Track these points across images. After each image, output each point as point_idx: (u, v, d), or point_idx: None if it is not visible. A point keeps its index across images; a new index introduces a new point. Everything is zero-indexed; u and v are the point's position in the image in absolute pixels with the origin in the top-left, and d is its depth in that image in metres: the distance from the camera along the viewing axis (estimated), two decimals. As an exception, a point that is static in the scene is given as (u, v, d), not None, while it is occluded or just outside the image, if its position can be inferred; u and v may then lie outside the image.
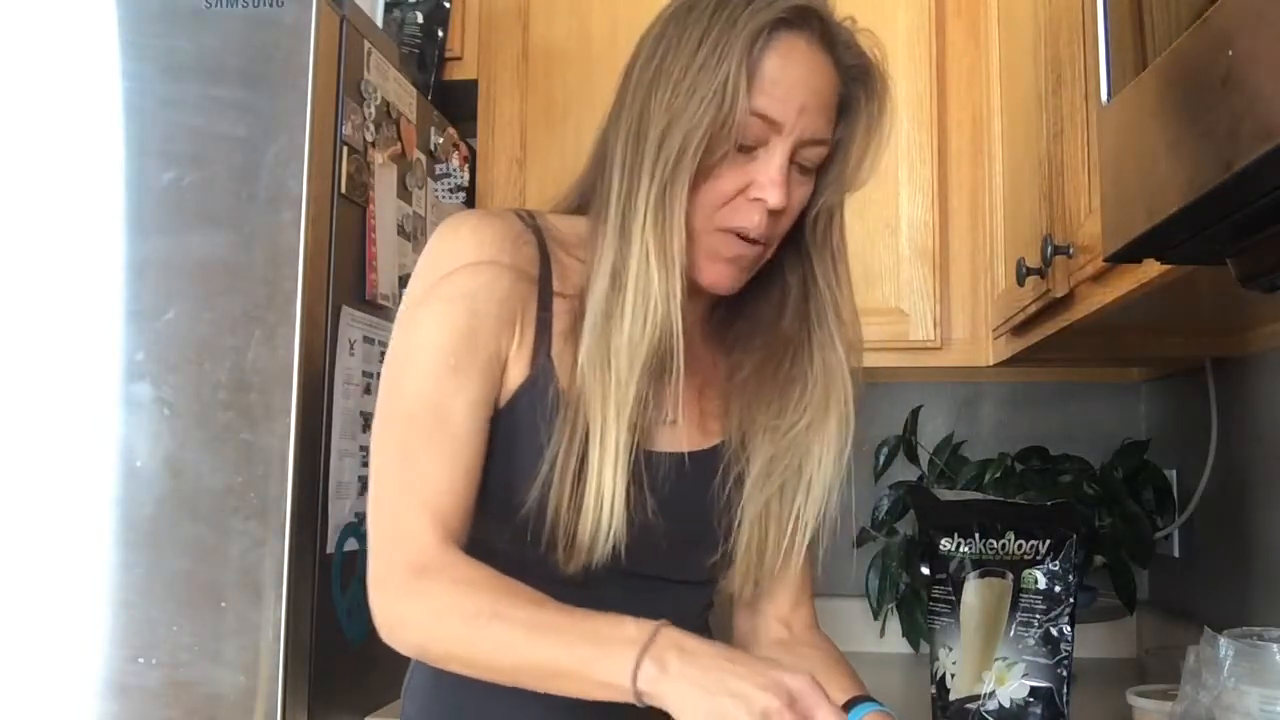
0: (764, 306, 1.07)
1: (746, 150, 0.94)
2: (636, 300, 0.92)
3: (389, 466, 0.92)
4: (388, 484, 0.92)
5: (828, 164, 1.00)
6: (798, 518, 1.03)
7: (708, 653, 0.80)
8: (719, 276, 0.97)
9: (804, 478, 1.03)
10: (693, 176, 0.92)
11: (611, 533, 0.92)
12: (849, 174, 1.01)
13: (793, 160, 0.95)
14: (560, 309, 0.97)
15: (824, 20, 0.96)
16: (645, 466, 0.95)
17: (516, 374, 0.95)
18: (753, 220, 0.95)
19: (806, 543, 1.05)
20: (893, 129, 1.02)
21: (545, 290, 0.97)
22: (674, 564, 1.02)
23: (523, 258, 0.96)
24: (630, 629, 0.81)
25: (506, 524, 0.94)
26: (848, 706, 0.99)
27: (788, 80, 0.93)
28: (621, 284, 0.93)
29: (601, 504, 0.91)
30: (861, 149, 1.00)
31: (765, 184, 0.93)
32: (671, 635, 0.81)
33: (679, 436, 1.01)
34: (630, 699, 0.79)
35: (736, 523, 1.02)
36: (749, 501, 1.02)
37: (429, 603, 0.87)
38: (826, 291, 1.04)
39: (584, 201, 1.04)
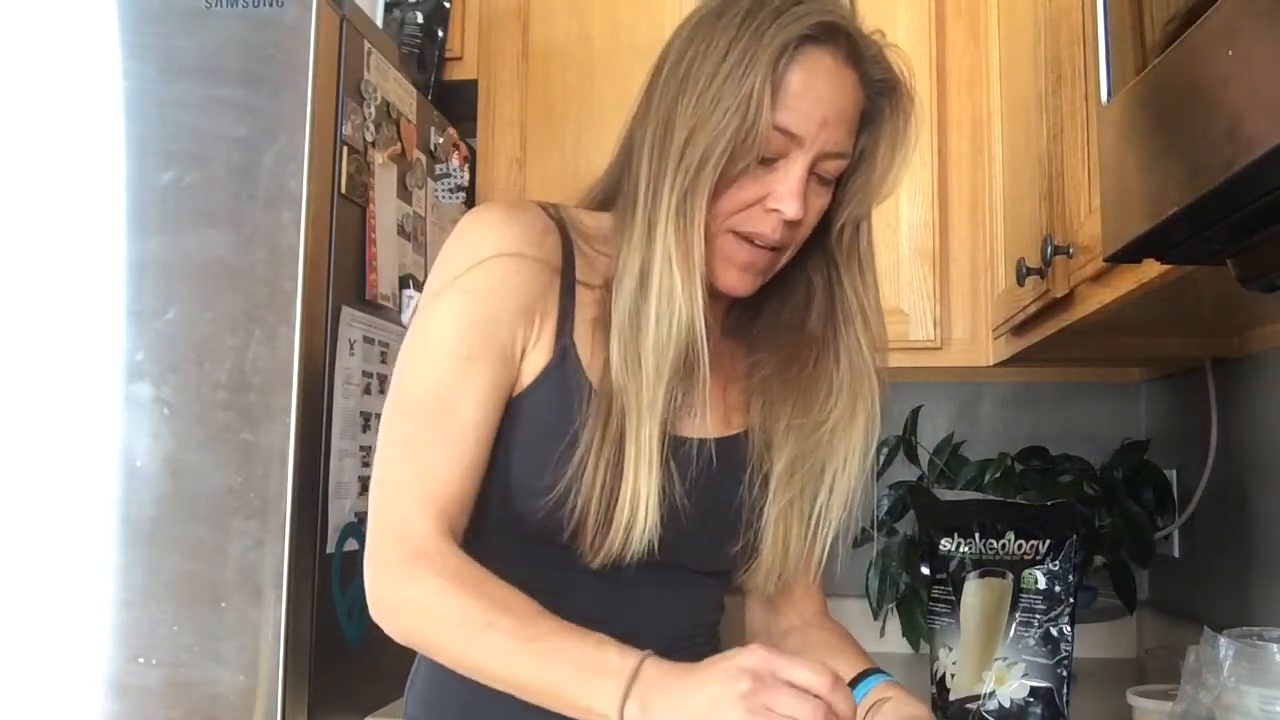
0: (787, 306, 1.08)
1: (767, 162, 0.94)
2: (661, 304, 0.93)
3: (394, 452, 0.94)
4: (391, 469, 0.94)
5: (850, 174, 1.01)
6: (821, 515, 1.05)
7: (684, 687, 0.81)
8: (734, 281, 0.99)
9: (828, 477, 1.04)
10: (714, 185, 0.93)
11: (648, 528, 0.93)
12: (874, 186, 1.02)
13: (812, 172, 0.96)
14: (585, 299, 0.99)
15: (850, 36, 0.97)
16: (672, 451, 0.96)
17: (539, 360, 0.97)
18: (767, 228, 0.96)
19: (831, 540, 1.06)
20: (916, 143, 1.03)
21: (568, 280, 0.99)
22: (697, 551, 1.03)
23: (545, 249, 0.98)
24: (614, 659, 0.83)
25: (533, 509, 0.94)
26: (858, 680, 1.01)
27: (811, 96, 0.93)
28: (647, 287, 0.94)
29: (638, 500, 0.92)
30: (886, 162, 1.01)
31: (783, 195, 0.94)
32: (652, 672, 0.82)
33: (702, 426, 1.02)
34: None
35: (761, 518, 1.03)
36: (774, 498, 1.03)
37: (421, 595, 0.89)
38: (853, 296, 1.05)
39: (609, 197, 1.05)
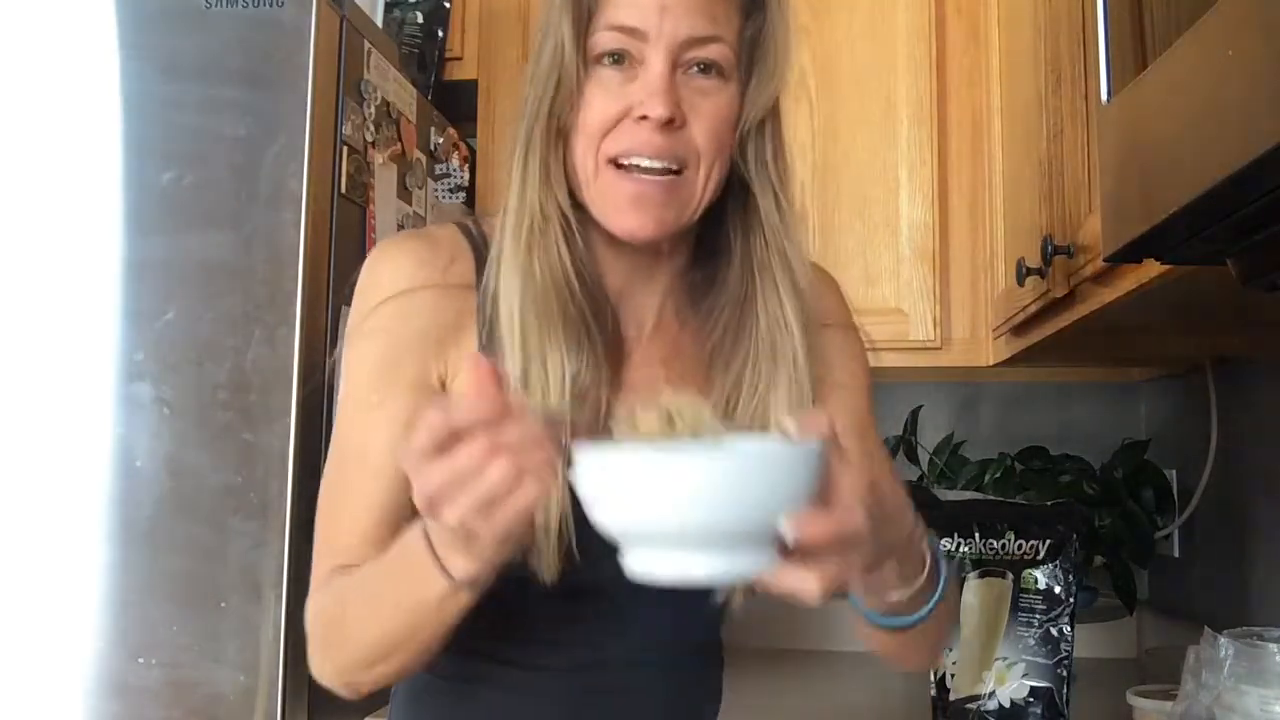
0: (720, 262, 0.95)
1: (619, 64, 0.86)
2: (536, 253, 0.87)
3: (320, 497, 0.91)
4: (319, 513, 0.91)
5: (751, 71, 0.90)
6: None
7: None
8: (631, 222, 0.87)
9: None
10: (567, 102, 0.86)
11: (560, 528, 0.82)
12: (768, 70, 0.90)
13: (683, 68, 0.86)
14: None
15: None
16: None
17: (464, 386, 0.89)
18: (640, 140, 0.85)
19: None
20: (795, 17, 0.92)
21: (485, 293, 0.91)
22: None
23: (454, 274, 0.91)
24: (409, 549, 0.75)
25: None
26: None
27: None
28: (518, 238, 0.88)
29: (550, 504, 0.82)
30: (772, 39, 0.90)
31: (644, 97, 0.84)
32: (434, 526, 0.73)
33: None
34: (461, 585, 0.73)
35: None
36: None
37: (309, 629, 0.87)
38: (766, 229, 0.92)
39: None
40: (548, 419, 0.67)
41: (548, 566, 0.85)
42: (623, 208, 0.87)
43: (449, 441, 0.63)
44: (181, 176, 1.40)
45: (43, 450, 1.39)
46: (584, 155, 0.87)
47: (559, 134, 0.87)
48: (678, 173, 0.87)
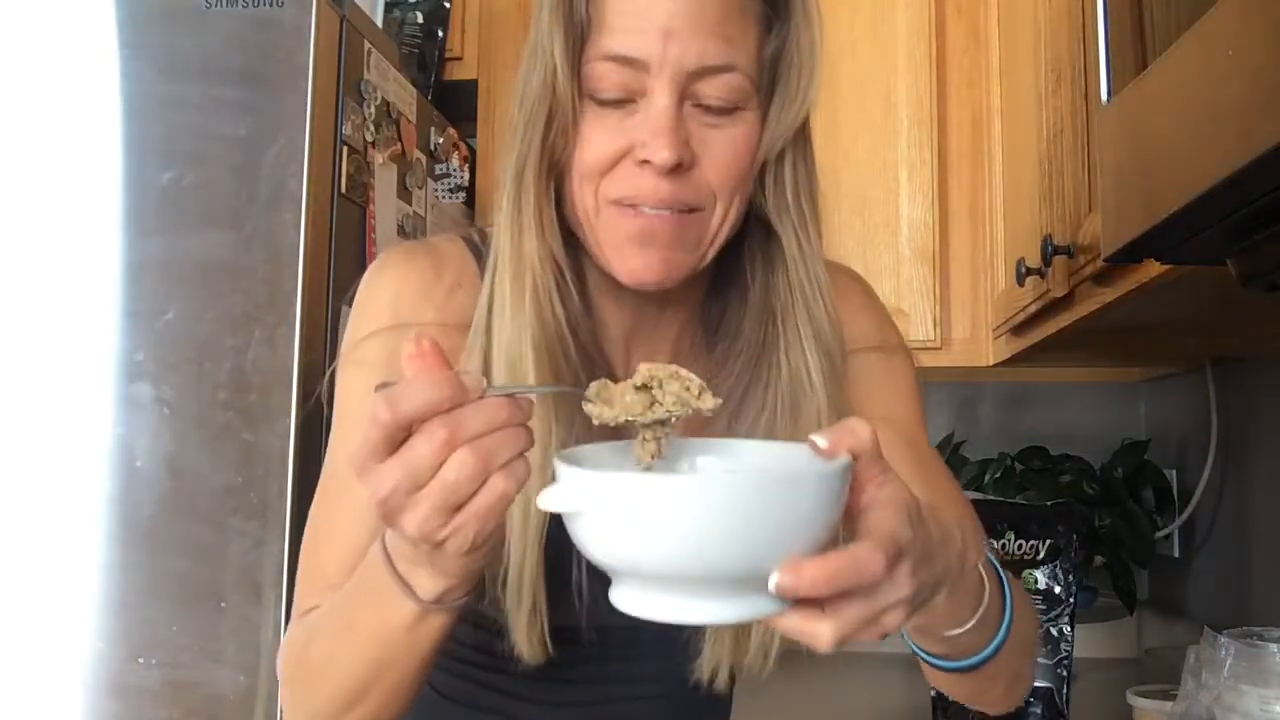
0: (734, 301, 0.86)
1: (618, 103, 0.76)
2: (524, 313, 0.78)
3: (307, 530, 0.85)
4: (303, 548, 0.85)
5: (772, 95, 0.80)
6: None
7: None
8: (637, 265, 0.77)
9: None
10: (561, 136, 0.76)
11: (539, 606, 0.77)
12: (790, 94, 0.79)
13: (692, 102, 0.76)
14: None
15: None
16: None
17: None
18: (645, 187, 0.75)
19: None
20: (824, 36, 0.80)
21: (475, 334, 0.84)
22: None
23: (451, 309, 0.83)
24: (369, 573, 0.69)
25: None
26: None
27: (636, 6, 0.74)
28: (511, 292, 0.79)
29: (522, 576, 0.76)
30: (805, 53, 0.79)
31: (646, 139, 0.74)
32: (391, 545, 0.66)
33: None
34: (429, 607, 0.66)
35: None
36: None
37: (282, 673, 0.82)
38: (789, 268, 0.82)
39: None
40: (515, 401, 0.56)
41: (527, 648, 0.78)
42: (626, 248, 0.77)
43: (400, 436, 0.55)
44: (181, 176, 1.40)
45: (43, 450, 1.39)
46: (581, 192, 0.78)
47: (551, 169, 0.78)
48: (690, 211, 0.77)
